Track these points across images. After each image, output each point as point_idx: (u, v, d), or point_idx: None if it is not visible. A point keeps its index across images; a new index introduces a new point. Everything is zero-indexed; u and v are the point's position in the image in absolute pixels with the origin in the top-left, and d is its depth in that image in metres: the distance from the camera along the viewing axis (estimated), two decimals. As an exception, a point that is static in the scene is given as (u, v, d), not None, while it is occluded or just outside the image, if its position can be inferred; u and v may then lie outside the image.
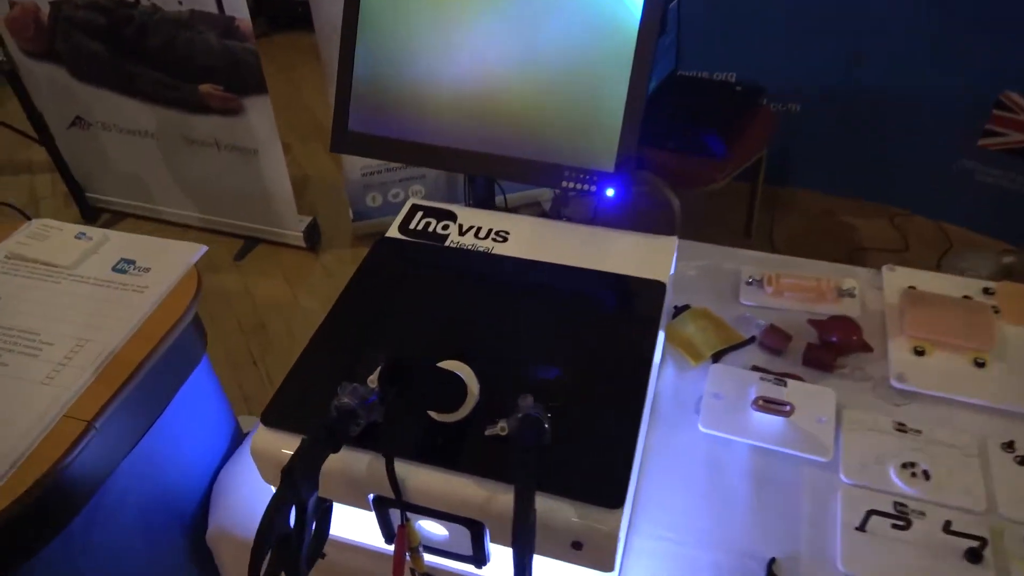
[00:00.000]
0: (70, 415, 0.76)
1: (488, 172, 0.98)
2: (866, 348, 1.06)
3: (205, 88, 2.17)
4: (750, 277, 1.17)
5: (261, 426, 0.73)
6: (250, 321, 2.32)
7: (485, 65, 0.91)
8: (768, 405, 0.92)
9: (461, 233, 0.94)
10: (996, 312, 1.07)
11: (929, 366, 1.02)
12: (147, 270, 0.93)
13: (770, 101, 2.43)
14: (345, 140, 0.98)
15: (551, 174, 0.91)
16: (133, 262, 0.94)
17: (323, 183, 2.88)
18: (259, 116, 2.19)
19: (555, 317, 0.82)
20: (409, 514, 0.70)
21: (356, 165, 2.41)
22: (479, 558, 0.72)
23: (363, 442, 0.68)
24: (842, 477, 0.91)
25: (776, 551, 0.84)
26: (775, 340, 1.06)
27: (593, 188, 0.89)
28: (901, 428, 0.95)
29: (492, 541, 0.71)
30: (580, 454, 0.68)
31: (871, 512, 0.85)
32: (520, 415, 0.65)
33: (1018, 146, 2.16)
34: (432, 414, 0.70)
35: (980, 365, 1.01)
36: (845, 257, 2.46)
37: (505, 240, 0.92)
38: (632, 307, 0.83)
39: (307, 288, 2.45)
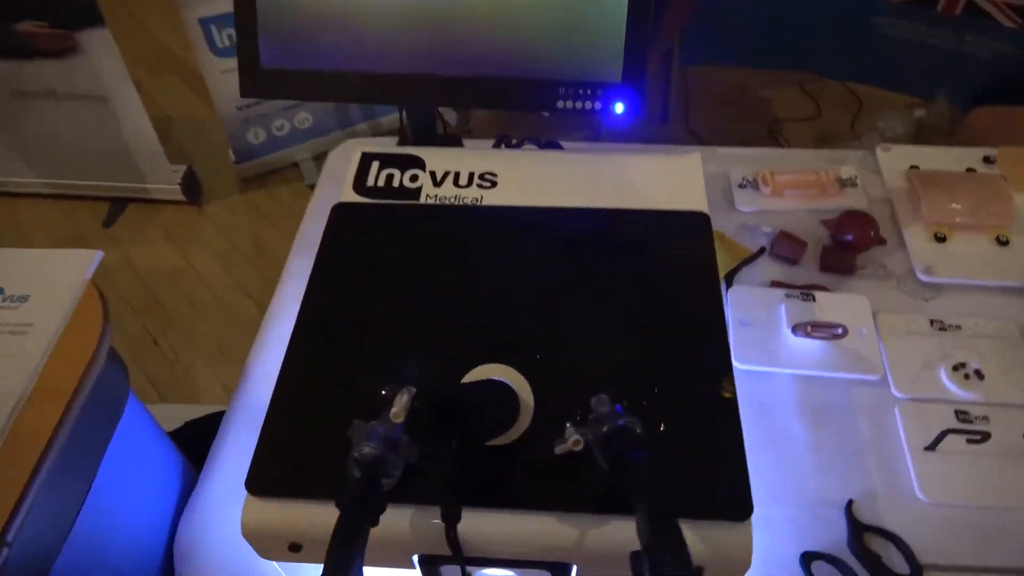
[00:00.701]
0: (-34, 530, 0.54)
1: (458, 102, 0.77)
2: (881, 241, 0.96)
3: (24, 27, 1.76)
4: (742, 179, 1.04)
5: (250, 496, 0.54)
6: (139, 296, 2.02)
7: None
8: (817, 331, 0.81)
9: (436, 183, 0.73)
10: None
11: (953, 252, 0.94)
12: (24, 298, 0.67)
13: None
14: (258, 81, 0.74)
15: (542, 94, 0.71)
16: (0, 290, 0.69)
17: (191, 123, 2.50)
18: (101, 54, 1.83)
19: (594, 279, 0.64)
20: (468, 567, 0.54)
21: (230, 98, 2.07)
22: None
23: (397, 492, 0.51)
24: (895, 392, 0.83)
25: (850, 492, 0.76)
26: (790, 249, 0.95)
27: (598, 106, 0.71)
28: (940, 326, 0.88)
29: (579, 577, 0.56)
30: (681, 457, 0.54)
31: (946, 432, 0.77)
32: (606, 428, 0.49)
33: (921, -5, 2.10)
34: (479, 438, 0.53)
35: (1003, 243, 0.94)
36: (764, 131, 2.41)
37: (494, 185, 0.73)
38: (682, 251, 0.65)
39: (197, 247, 2.16)
